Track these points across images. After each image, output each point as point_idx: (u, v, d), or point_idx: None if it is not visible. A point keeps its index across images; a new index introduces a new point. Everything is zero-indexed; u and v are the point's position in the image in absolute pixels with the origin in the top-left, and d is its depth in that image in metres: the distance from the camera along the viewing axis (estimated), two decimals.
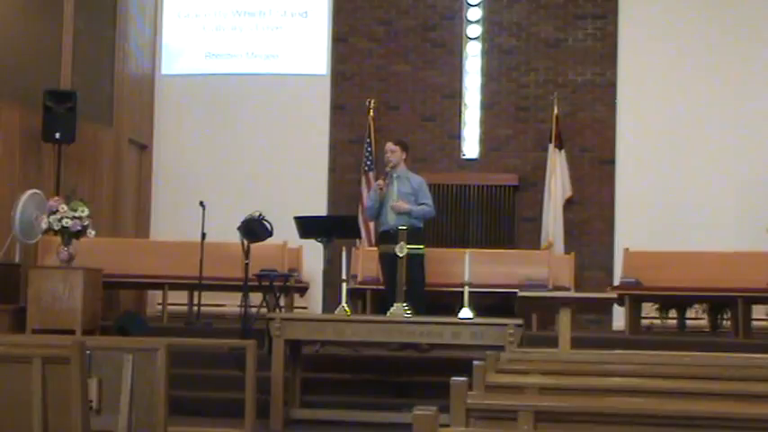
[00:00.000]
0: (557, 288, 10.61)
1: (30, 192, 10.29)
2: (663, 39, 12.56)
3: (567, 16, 12.78)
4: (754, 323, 10.44)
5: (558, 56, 12.74)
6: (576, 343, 7.22)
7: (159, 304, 11.55)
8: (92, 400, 4.83)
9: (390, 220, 9.19)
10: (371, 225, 12.30)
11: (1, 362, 4.51)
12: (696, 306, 11.44)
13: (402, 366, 9.06)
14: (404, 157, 9.48)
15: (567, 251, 11.85)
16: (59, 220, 9.53)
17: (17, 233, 10.15)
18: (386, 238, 9.09)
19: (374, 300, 10.51)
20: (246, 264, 9.56)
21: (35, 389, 4.32)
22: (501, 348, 6.70)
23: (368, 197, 9.80)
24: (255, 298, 9.95)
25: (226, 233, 10.03)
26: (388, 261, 8.78)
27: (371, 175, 12.42)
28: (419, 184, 9.39)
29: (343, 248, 8.64)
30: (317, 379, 8.74)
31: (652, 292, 10.73)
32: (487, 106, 12.81)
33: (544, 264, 11.13)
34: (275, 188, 12.57)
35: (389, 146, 9.49)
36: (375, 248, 10.55)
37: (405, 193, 9.29)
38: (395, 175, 9.30)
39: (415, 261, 8.72)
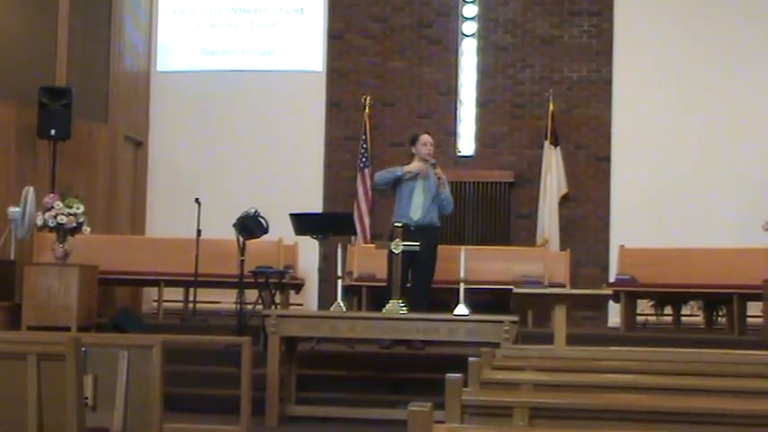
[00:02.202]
0: (552, 285, 10.62)
1: (31, 188, 10.30)
2: (659, 35, 12.57)
3: (562, 13, 12.78)
4: (750, 320, 10.44)
5: (554, 53, 12.74)
6: (572, 339, 7.23)
7: (155, 301, 11.54)
8: (87, 397, 4.83)
9: (415, 215, 9.17)
10: (367, 221, 12.31)
11: None
12: (691, 303, 11.44)
13: (397, 363, 9.07)
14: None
15: (562, 248, 11.85)
16: (55, 217, 9.52)
17: (24, 228, 10.16)
18: (407, 232, 9.05)
19: (370, 296, 10.51)
20: (242, 260, 9.56)
21: (30, 386, 4.32)
22: (496, 345, 6.70)
23: (392, 169, 9.74)
24: (251, 295, 9.95)
25: (221, 230, 10.02)
26: (404, 258, 8.73)
27: (367, 171, 12.42)
28: (444, 180, 9.41)
29: (339, 245, 8.61)
30: (312, 376, 8.74)
31: (647, 289, 10.73)
32: (483, 103, 12.81)
33: (540, 260, 11.14)
34: (271, 185, 12.56)
35: (429, 138, 9.46)
36: (371, 245, 10.55)
37: (432, 186, 9.29)
38: (436, 166, 9.30)
39: (429, 258, 8.78)
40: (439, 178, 9.24)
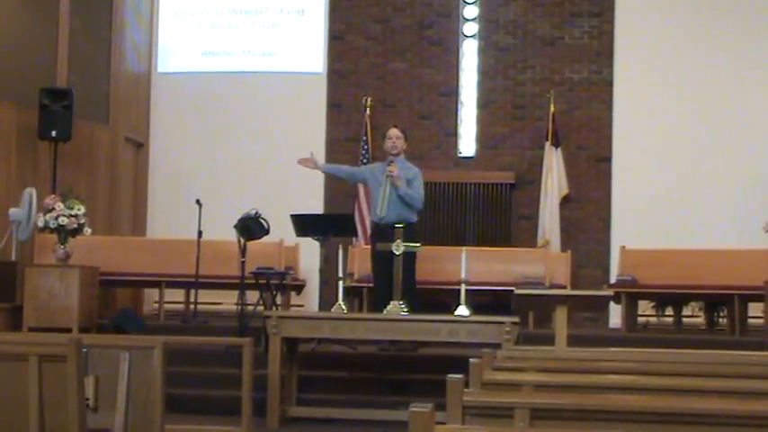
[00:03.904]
0: (553, 286, 10.62)
1: (34, 190, 10.31)
2: (659, 36, 12.56)
3: (563, 14, 12.78)
4: (751, 321, 10.44)
5: (555, 54, 12.74)
6: (573, 341, 7.22)
7: (156, 302, 11.54)
8: (88, 398, 4.83)
9: (381, 212, 9.07)
10: (368, 222, 12.30)
11: None
12: (692, 304, 11.44)
13: (398, 364, 9.06)
14: (404, 146, 9.39)
15: (563, 249, 11.85)
16: (56, 219, 9.53)
17: (27, 230, 10.17)
18: (378, 231, 9.03)
19: (371, 298, 10.50)
20: (243, 262, 9.56)
21: (32, 387, 4.32)
22: (498, 346, 6.70)
23: (344, 167, 10.14)
24: (252, 296, 9.95)
25: (222, 231, 10.02)
26: (380, 258, 8.74)
27: None
28: (414, 174, 9.18)
29: (340, 246, 8.62)
30: (313, 377, 8.74)
31: (648, 290, 10.73)
32: (484, 104, 12.81)
33: (541, 262, 11.14)
34: (272, 186, 12.55)
35: (396, 132, 9.29)
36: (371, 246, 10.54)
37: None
38: (392, 163, 9.08)
39: (407, 258, 8.57)
40: (388, 176, 9.00)
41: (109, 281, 10.69)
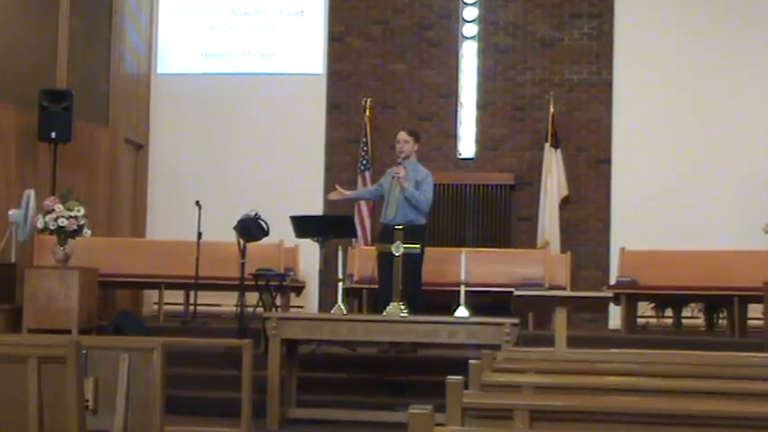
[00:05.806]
0: (553, 287, 10.62)
1: (32, 191, 10.31)
2: (659, 37, 12.57)
3: (562, 15, 12.78)
4: (750, 322, 10.44)
5: (554, 55, 12.74)
6: (572, 342, 7.23)
7: (155, 304, 11.54)
8: (88, 400, 4.84)
9: (390, 213, 9.12)
10: (368, 224, 12.30)
11: None
12: (692, 305, 11.44)
13: (398, 365, 9.06)
14: (415, 148, 9.39)
15: (563, 250, 11.84)
16: (55, 220, 9.53)
17: (25, 231, 10.17)
18: (385, 233, 9.06)
19: (370, 299, 10.50)
20: (242, 263, 9.56)
21: (31, 388, 4.32)
22: (497, 347, 6.71)
23: (368, 187, 9.93)
24: (252, 297, 9.95)
25: (222, 232, 10.03)
26: (384, 259, 8.76)
27: (368, 174, 12.42)
28: (424, 176, 9.23)
29: (340, 248, 8.62)
30: (313, 378, 8.74)
31: (648, 291, 10.73)
32: (483, 105, 12.81)
33: (540, 263, 11.14)
34: (271, 187, 12.56)
35: (403, 135, 9.32)
36: (372, 248, 10.56)
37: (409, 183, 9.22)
38: (399, 165, 9.11)
39: (411, 260, 8.61)
40: (393, 178, 9.10)
41: (108, 282, 10.70)
